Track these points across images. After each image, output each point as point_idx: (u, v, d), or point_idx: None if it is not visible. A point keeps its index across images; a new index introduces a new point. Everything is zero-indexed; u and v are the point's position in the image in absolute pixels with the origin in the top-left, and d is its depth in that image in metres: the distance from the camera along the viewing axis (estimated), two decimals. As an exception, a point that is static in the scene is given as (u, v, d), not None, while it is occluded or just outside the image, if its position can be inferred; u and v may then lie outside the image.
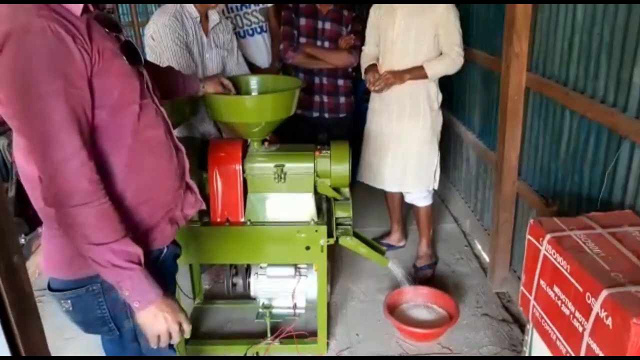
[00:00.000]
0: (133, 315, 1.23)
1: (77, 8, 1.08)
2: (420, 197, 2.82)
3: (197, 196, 1.41)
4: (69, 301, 1.23)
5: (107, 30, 1.17)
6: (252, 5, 3.17)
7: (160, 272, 1.23)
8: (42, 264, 1.29)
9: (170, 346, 1.30)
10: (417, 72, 2.54)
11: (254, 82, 2.24)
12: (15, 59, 1.00)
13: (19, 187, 3.08)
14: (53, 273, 1.26)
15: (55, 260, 1.24)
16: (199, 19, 2.36)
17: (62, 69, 1.03)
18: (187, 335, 1.24)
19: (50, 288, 1.26)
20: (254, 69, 3.12)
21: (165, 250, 1.34)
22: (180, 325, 1.20)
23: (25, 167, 1.15)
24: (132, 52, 1.20)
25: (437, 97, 2.68)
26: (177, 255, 1.47)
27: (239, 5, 3.14)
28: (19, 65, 1.00)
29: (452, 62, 2.54)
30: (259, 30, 3.24)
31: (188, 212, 1.38)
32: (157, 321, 1.17)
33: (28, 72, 1.00)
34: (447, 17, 2.50)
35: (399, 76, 2.54)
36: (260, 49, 3.24)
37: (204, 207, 1.45)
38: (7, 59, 1.00)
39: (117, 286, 1.14)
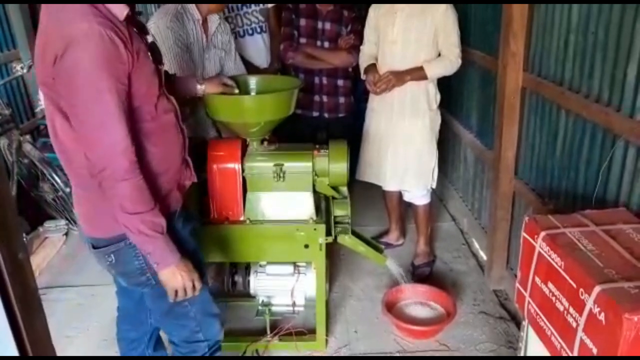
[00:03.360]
0: None
1: (121, 14, 1.26)
2: (419, 195, 2.84)
3: (192, 171, 1.60)
4: (111, 255, 1.43)
5: (136, 31, 1.34)
6: (253, 5, 3.19)
7: (175, 229, 1.46)
8: (84, 229, 1.47)
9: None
10: (417, 73, 2.56)
11: (252, 82, 2.25)
12: (79, 60, 1.19)
13: (20, 186, 3.10)
14: (97, 234, 1.44)
15: (100, 223, 1.42)
16: (200, 20, 2.38)
17: (115, 68, 1.22)
18: (197, 293, 1.46)
19: (94, 247, 1.46)
20: (252, 68, 3.14)
21: (177, 212, 1.53)
22: (193, 282, 1.42)
23: (70, 146, 1.35)
24: (155, 53, 1.41)
25: (435, 96, 2.70)
26: (193, 224, 1.67)
27: (239, 5, 3.16)
28: (82, 65, 1.19)
29: (450, 63, 2.56)
30: (258, 30, 3.26)
31: (186, 184, 1.58)
32: (175, 278, 1.39)
33: (89, 70, 1.19)
34: (446, 18, 2.52)
35: (400, 77, 2.56)
36: (259, 48, 3.26)
37: (196, 180, 1.62)
38: (71, 59, 1.18)
39: (141, 248, 1.36)
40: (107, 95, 1.21)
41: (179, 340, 1.63)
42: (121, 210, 1.29)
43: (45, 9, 1.27)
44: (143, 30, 1.39)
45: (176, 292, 1.42)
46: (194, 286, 1.43)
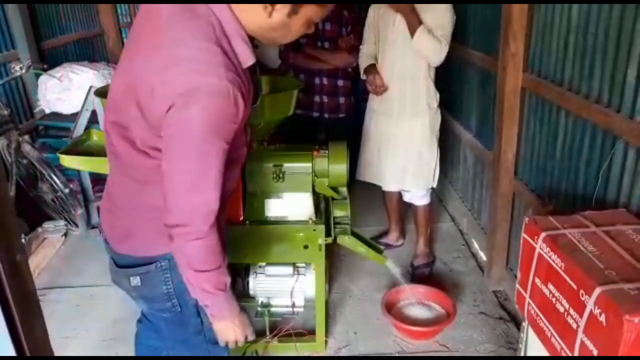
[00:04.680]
0: None
1: (246, 63, 1.15)
2: (418, 195, 2.84)
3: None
4: (137, 277, 1.33)
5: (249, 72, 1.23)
6: None
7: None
8: (112, 242, 1.37)
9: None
10: (414, 22, 2.47)
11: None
12: (197, 117, 1.07)
13: (19, 187, 3.09)
14: (127, 251, 1.34)
15: (135, 241, 1.32)
16: None
17: (227, 131, 1.12)
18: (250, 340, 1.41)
19: (118, 265, 1.36)
20: (263, 69, 3.15)
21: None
22: (246, 336, 1.36)
23: (129, 161, 1.25)
24: (255, 94, 1.29)
25: (435, 95, 2.69)
26: None
27: None
28: (198, 124, 1.08)
29: (440, 46, 2.48)
30: None
31: (227, 211, 1.50)
32: (228, 332, 1.33)
33: (204, 131, 1.09)
34: (443, 15, 2.51)
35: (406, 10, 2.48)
36: (270, 49, 3.26)
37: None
38: (190, 113, 1.07)
39: (199, 300, 1.27)
40: (212, 159, 1.12)
41: None
42: (188, 266, 1.20)
43: (150, 25, 1.13)
44: (253, 71, 1.27)
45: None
46: (246, 339, 1.38)
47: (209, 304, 1.27)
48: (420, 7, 2.53)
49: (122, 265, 1.35)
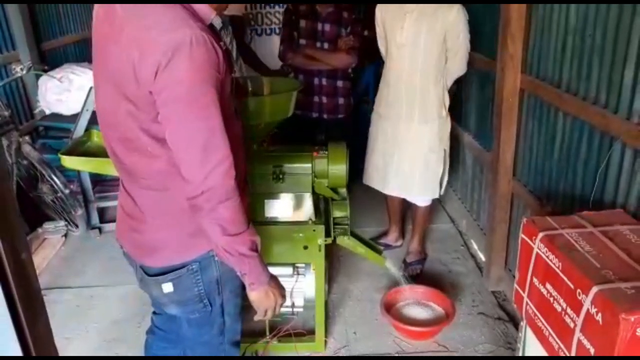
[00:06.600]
0: (222, 292, 1.39)
1: (208, 17, 1.18)
2: (420, 199, 2.84)
3: (248, 186, 1.53)
4: (170, 283, 1.33)
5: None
6: (277, 6, 3.21)
7: None
8: (138, 256, 1.37)
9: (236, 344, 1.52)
10: None
11: (253, 83, 2.26)
12: (185, 70, 1.08)
13: (19, 188, 3.10)
14: (157, 263, 1.34)
15: (164, 252, 1.32)
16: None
17: (215, 78, 1.12)
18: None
19: (148, 274, 1.36)
20: (264, 69, 3.16)
21: None
22: (283, 297, 1.37)
23: (143, 168, 1.25)
24: (230, 59, 1.29)
25: (444, 101, 2.66)
26: None
27: (265, 4, 3.21)
28: (188, 76, 1.08)
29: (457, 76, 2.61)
30: (277, 31, 3.28)
31: (248, 200, 1.51)
32: (268, 298, 1.33)
33: (196, 83, 1.09)
34: (457, 22, 2.48)
35: None
36: (273, 49, 3.28)
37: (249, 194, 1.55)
38: (176, 68, 1.07)
39: (238, 270, 1.27)
40: (212, 109, 1.11)
41: None
42: (222, 233, 1.18)
43: (112, 17, 1.15)
44: (219, 36, 1.28)
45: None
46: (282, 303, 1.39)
47: (247, 271, 1.26)
48: (430, 10, 2.49)
49: (153, 273, 1.35)
